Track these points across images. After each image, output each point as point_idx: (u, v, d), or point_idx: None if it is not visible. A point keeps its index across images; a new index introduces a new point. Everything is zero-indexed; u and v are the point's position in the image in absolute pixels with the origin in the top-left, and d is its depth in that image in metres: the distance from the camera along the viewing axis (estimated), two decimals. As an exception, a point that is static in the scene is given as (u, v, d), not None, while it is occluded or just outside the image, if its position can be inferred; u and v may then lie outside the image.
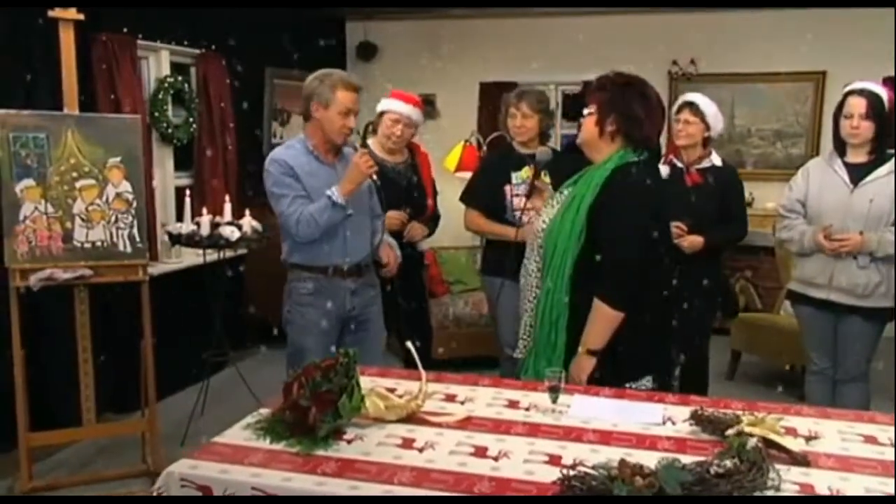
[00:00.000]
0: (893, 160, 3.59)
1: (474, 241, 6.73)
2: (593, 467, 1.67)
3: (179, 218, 5.07)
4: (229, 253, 4.65)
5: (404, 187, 3.86)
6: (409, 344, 2.29)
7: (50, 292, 3.59)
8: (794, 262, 5.18)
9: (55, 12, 3.57)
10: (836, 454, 1.91)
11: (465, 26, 7.17)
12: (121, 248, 3.67)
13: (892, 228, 3.53)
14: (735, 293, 4.96)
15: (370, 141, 3.98)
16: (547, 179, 3.42)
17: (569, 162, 3.95)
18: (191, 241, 4.22)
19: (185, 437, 4.30)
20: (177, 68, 5.26)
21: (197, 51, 5.32)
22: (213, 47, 5.40)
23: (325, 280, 3.24)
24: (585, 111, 2.66)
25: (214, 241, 4.18)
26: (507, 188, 3.84)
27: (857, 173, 3.61)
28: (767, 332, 5.28)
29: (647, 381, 2.61)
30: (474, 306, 5.63)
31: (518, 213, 3.73)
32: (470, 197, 4.04)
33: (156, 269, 4.68)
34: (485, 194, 3.88)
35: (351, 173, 3.11)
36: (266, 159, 3.24)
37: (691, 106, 3.96)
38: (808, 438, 1.97)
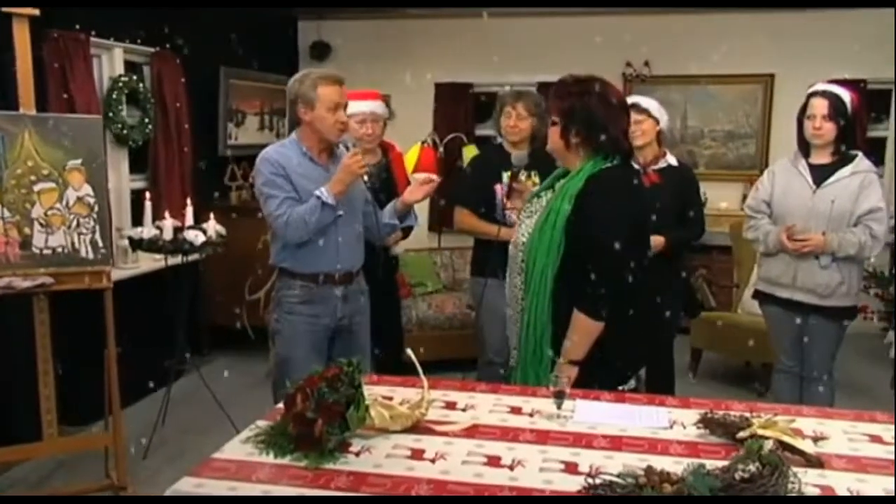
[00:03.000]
0: (855, 161, 3.67)
1: (432, 242, 6.72)
2: (618, 475, 1.65)
3: (135, 222, 4.92)
4: (178, 259, 4.50)
5: (376, 189, 3.80)
6: (408, 351, 2.24)
7: (6, 301, 3.43)
8: (757, 262, 5.30)
9: (9, 7, 3.41)
10: (847, 455, 1.92)
11: (419, 26, 7.13)
12: (83, 254, 3.53)
13: (854, 229, 3.61)
14: (697, 293, 5.02)
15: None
16: (536, 180, 3.40)
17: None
18: (153, 246, 4.07)
19: (148, 448, 4.16)
20: (130, 67, 5.08)
21: (151, 49, 5.15)
22: (168, 46, 5.23)
23: (316, 288, 3.14)
24: (552, 119, 2.62)
25: (178, 245, 4.04)
26: (498, 187, 3.83)
27: (821, 174, 3.67)
28: (727, 330, 5.36)
29: (632, 382, 2.66)
30: (437, 308, 5.60)
31: (508, 213, 3.73)
32: (460, 196, 4.01)
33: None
34: (475, 193, 3.85)
35: (341, 173, 3.01)
36: (258, 157, 3.13)
37: (634, 107, 3.97)
38: (816, 439, 1.99)
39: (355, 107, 3.76)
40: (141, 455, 4.11)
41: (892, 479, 1.78)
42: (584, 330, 2.46)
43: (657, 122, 3.99)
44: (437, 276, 6.11)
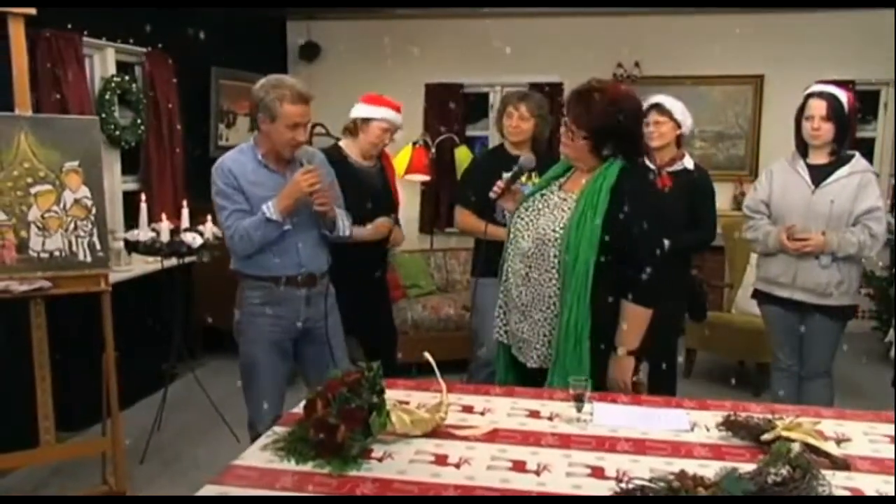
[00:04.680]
0: (853, 161, 3.69)
1: (424, 244, 6.71)
2: (650, 480, 1.64)
3: (129, 224, 4.85)
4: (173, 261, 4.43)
5: (380, 191, 3.79)
6: (426, 354, 2.22)
7: (2, 305, 3.37)
8: (750, 262, 5.32)
9: (4, 7, 3.35)
10: (871, 456, 1.92)
11: (409, 27, 7.10)
12: (80, 257, 3.48)
13: (853, 228, 3.63)
14: (705, 296, 5.01)
15: (343, 142, 3.84)
16: (536, 180, 3.37)
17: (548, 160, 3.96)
18: (150, 248, 4.02)
19: (146, 453, 4.11)
20: (121, 67, 5.02)
21: (142, 49, 5.10)
22: (160, 46, 5.17)
23: (278, 289, 3.11)
24: (573, 131, 2.59)
25: (175, 248, 3.99)
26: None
27: (819, 174, 3.69)
28: (722, 330, 5.38)
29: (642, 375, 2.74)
30: (432, 310, 5.57)
31: (508, 214, 3.71)
32: (461, 196, 4.01)
33: (107, 277, 4.44)
34: (475, 194, 3.83)
35: (289, 189, 2.98)
36: (214, 165, 3.08)
37: (658, 107, 3.97)
38: (839, 441, 1.99)
39: (386, 114, 3.70)
40: (137, 460, 4.05)
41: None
42: (638, 319, 2.54)
43: (678, 125, 3.95)
44: (431, 277, 6.10)
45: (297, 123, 2.99)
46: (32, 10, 3.42)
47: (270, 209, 2.96)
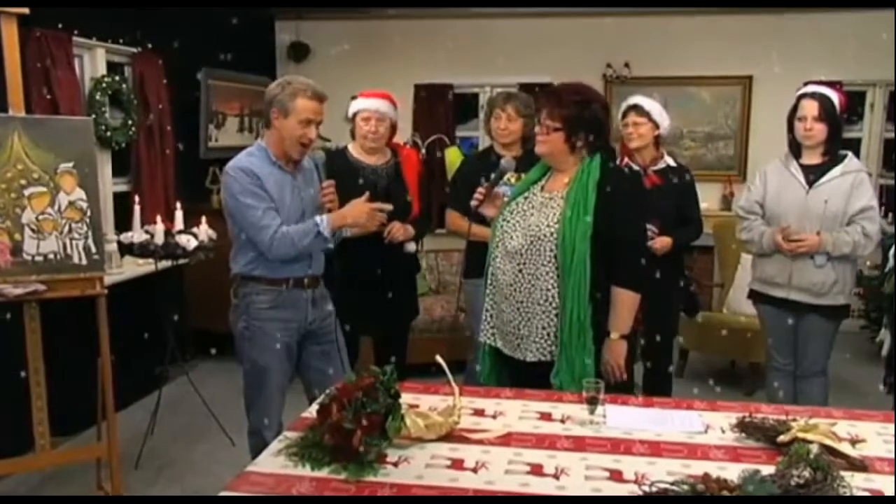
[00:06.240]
0: (846, 161, 3.72)
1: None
2: (673, 483, 1.63)
3: (119, 226, 4.80)
4: (167, 263, 4.38)
5: (383, 188, 3.75)
6: (438, 358, 2.20)
7: (-5, 309, 3.33)
8: (741, 262, 5.35)
9: (-1, 7, 3.31)
10: (888, 457, 1.93)
11: (398, 27, 7.08)
12: (75, 260, 3.42)
13: (847, 228, 3.65)
14: (697, 294, 5.05)
15: (350, 145, 3.84)
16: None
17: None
18: (144, 250, 3.97)
19: (140, 457, 4.06)
20: (111, 68, 4.96)
21: (132, 49, 5.04)
22: (150, 46, 5.12)
23: (286, 292, 3.06)
24: (547, 125, 2.72)
25: (170, 250, 3.95)
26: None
27: (813, 174, 3.71)
28: (714, 330, 5.40)
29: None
30: (426, 312, 5.54)
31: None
32: (450, 198, 4.00)
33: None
34: (465, 195, 3.82)
35: (351, 212, 3.02)
36: (228, 167, 3.00)
37: (636, 108, 4.03)
38: (854, 442, 1.99)
39: (363, 104, 3.73)
40: (132, 464, 4.00)
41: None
42: (629, 303, 2.67)
43: (656, 125, 4.00)
44: (424, 278, 6.07)
45: (310, 120, 2.97)
46: (25, 10, 3.37)
47: (324, 224, 2.94)
